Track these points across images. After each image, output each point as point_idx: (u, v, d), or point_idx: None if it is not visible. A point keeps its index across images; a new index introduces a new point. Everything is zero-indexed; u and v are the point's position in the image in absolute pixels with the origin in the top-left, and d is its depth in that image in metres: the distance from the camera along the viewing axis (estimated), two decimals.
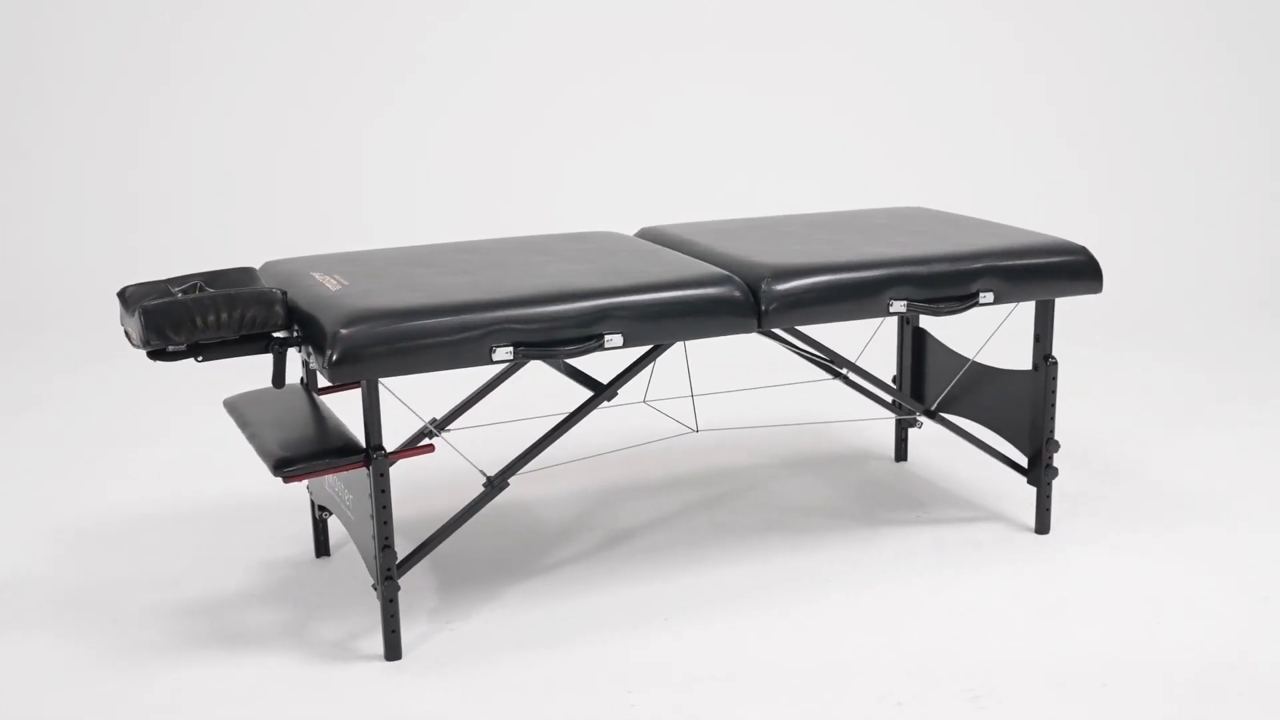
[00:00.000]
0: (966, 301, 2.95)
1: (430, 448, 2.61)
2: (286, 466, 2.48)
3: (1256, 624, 2.72)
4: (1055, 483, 3.49)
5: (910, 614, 2.77)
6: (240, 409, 2.81)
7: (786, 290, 2.77)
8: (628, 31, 5.84)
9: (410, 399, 4.17)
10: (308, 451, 2.52)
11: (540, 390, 4.32)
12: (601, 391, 2.78)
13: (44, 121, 5.66)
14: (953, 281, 2.93)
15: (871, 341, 4.77)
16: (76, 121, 5.69)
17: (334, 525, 3.24)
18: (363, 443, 2.57)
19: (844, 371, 3.32)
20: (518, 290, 2.59)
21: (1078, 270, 3.04)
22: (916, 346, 3.55)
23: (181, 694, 2.49)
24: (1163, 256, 5.82)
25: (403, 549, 3.06)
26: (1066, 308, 5.27)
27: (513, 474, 2.72)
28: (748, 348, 4.75)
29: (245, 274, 2.69)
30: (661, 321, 2.65)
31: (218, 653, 2.64)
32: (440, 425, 3.07)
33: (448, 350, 2.48)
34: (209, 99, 5.71)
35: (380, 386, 3.07)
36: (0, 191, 5.65)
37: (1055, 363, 3.11)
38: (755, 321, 2.75)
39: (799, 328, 3.29)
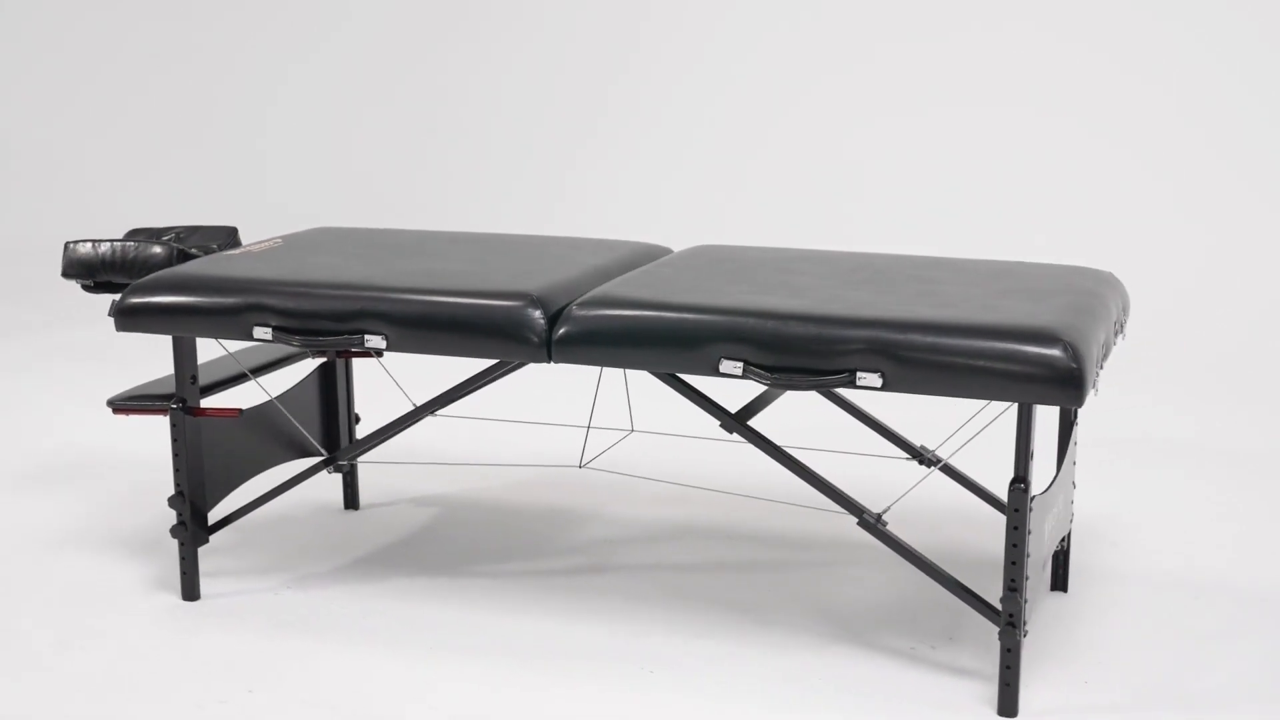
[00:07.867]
0: (830, 378, 2.28)
1: (235, 412, 2.70)
2: (119, 401, 2.76)
3: None
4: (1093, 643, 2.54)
5: None
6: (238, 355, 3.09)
7: (582, 318, 2.40)
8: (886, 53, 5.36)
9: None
10: (144, 394, 2.76)
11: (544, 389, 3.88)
12: (429, 403, 2.64)
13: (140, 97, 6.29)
14: (813, 351, 2.29)
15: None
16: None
17: (371, 483, 3.36)
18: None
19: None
20: (292, 274, 2.57)
21: (1032, 370, 2.19)
22: None
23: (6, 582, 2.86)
24: None
25: (397, 535, 3.16)
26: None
27: (346, 457, 2.73)
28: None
29: (220, 232, 2.96)
30: (428, 331, 2.46)
31: (89, 556, 2.96)
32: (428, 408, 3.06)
33: (210, 320, 2.56)
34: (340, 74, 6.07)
35: (380, 365, 3.12)
36: (104, 138, 6.35)
37: (1023, 490, 2.27)
38: (545, 352, 2.41)
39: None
